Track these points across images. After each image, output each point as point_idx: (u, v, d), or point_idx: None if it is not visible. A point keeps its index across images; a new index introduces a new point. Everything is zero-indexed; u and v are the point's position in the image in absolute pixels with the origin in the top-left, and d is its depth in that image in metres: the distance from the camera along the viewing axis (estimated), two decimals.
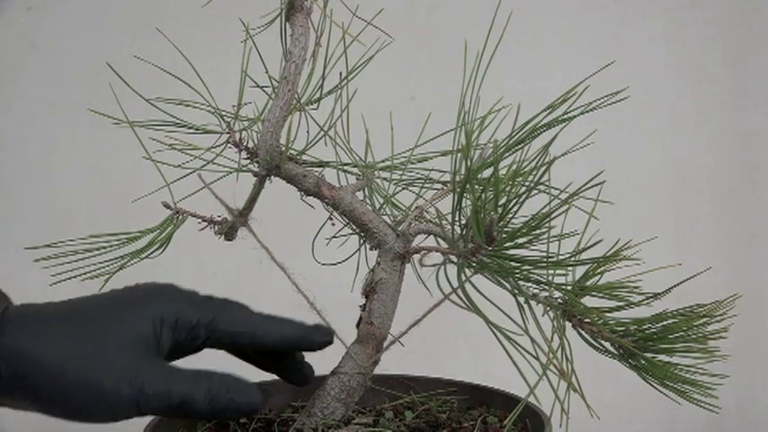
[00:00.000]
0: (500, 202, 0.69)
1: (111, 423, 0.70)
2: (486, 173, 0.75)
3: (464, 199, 0.72)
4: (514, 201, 0.70)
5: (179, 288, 0.79)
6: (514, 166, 0.74)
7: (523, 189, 0.70)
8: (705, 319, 0.77)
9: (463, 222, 0.74)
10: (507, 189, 0.70)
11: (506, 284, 0.74)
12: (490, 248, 0.71)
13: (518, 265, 0.73)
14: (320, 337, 0.82)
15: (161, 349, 0.74)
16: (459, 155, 0.72)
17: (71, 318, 0.71)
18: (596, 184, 0.70)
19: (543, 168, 0.70)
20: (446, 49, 1.54)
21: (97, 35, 1.54)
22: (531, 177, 0.72)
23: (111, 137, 1.10)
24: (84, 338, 0.70)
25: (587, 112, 0.81)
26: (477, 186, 0.72)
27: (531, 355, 0.70)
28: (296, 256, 0.89)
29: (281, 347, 0.81)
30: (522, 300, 0.74)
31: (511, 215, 0.71)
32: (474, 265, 0.73)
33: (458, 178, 0.72)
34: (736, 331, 0.78)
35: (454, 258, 0.76)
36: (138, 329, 0.72)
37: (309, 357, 0.90)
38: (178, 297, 0.77)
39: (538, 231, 0.72)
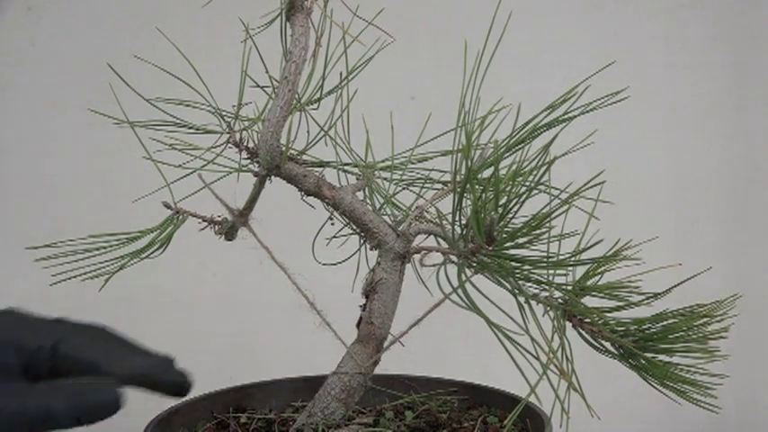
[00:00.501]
0: (500, 203, 0.69)
1: None
2: (487, 173, 0.75)
3: (464, 199, 0.72)
4: (515, 201, 0.70)
5: (19, 312, 0.75)
6: (515, 167, 0.74)
7: (524, 189, 0.70)
8: (705, 320, 0.77)
9: (463, 222, 0.74)
10: (507, 189, 0.70)
11: (506, 284, 0.74)
12: (490, 248, 0.71)
13: (518, 265, 0.73)
14: (173, 376, 0.71)
15: (7, 371, 0.70)
16: (459, 155, 0.72)
17: None
18: (596, 185, 0.70)
19: (543, 168, 0.70)
20: (446, 49, 1.55)
21: (97, 35, 1.54)
22: (531, 177, 0.72)
23: (111, 137, 1.09)
24: None
25: (587, 112, 0.81)
26: (477, 186, 0.72)
27: (532, 354, 0.70)
28: (296, 256, 0.89)
29: (126, 384, 0.71)
30: (522, 300, 0.74)
31: (511, 215, 0.71)
32: (474, 265, 0.73)
33: (458, 178, 0.72)
34: (736, 331, 0.78)
35: (454, 258, 0.76)
36: None
37: (308, 358, 0.90)
38: (16, 321, 0.74)
39: (538, 231, 0.72)
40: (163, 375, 0.71)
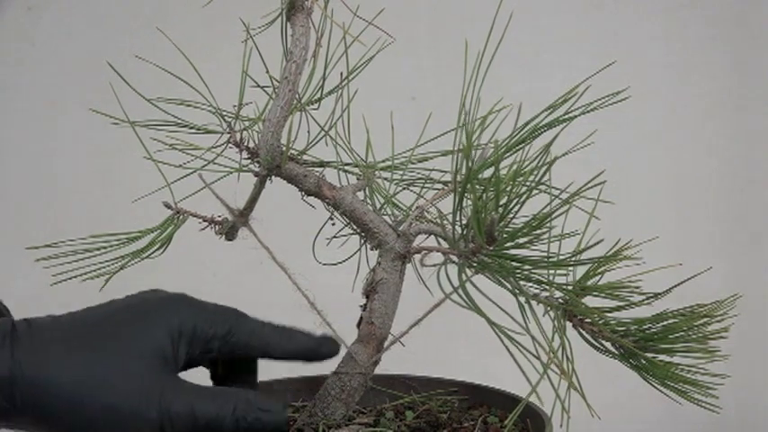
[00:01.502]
0: (501, 203, 0.69)
1: None
2: (487, 173, 0.75)
3: (465, 199, 0.72)
4: (515, 201, 0.70)
5: (192, 298, 0.76)
6: (515, 167, 0.74)
7: (524, 189, 0.70)
8: (706, 320, 0.77)
9: (464, 222, 0.74)
10: (508, 189, 0.70)
11: (507, 284, 0.74)
12: (491, 248, 0.71)
13: (519, 265, 0.73)
14: (328, 348, 0.81)
15: (178, 364, 0.71)
16: (459, 155, 0.72)
17: (82, 334, 0.69)
18: (597, 185, 0.70)
19: (544, 169, 0.70)
20: (446, 49, 1.55)
21: (97, 35, 1.54)
22: (531, 177, 0.72)
23: (111, 137, 1.09)
24: (100, 357, 0.67)
25: (588, 112, 0.81)
26: (477, 186, 0.72)
27: (533, 354, 0.70)
28: (297, 256, 0.89)
29: (292, 359, 0.80)
30: (522, 300, 0.74)
31: (512, 215, 0.71)
32: (475, 265, 0.73)
33: (458, 178, 0.72)
34: (736, 331, 0.78)
35: (455, 258, 0.76)
36: (155, 344, 0.70)
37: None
38: (194, 308, 0.74)
39: (539, 231, 0.72)
40: (323, 348, 0.80)
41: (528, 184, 0.71)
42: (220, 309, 0.77)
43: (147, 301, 0.73)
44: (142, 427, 0.67)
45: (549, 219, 0.71)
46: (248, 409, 0.71)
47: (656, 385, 0.79)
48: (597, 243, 0.72)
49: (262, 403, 0.72)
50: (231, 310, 0.78)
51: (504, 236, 0.71)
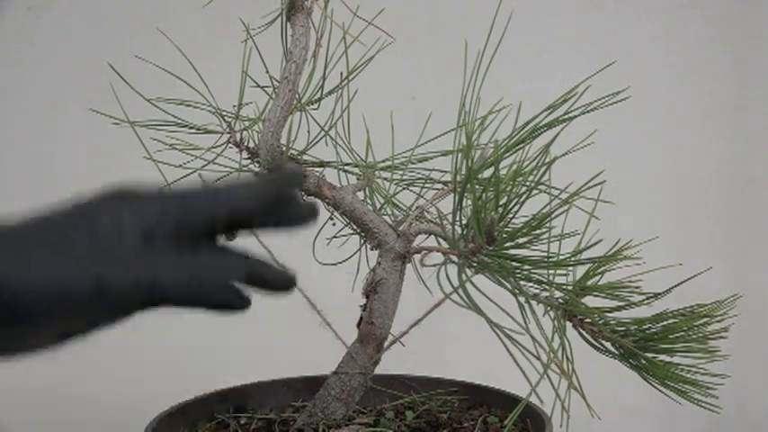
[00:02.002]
0: (501, 203, 0.69)
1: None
2: (487, 173, 0.75)
3: (465, 199, 0.72)
4: (515, 201, 0.70)
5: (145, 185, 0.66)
6: (515, 167, 0.74)
7: (524, 189, 0.70)
8: (706, 320, 0.77)
9: (464, 222, 0.74)
10: (508, 189, 0.70)
11: (507, 284, 0.74)
12: (491, 248, 0.71)
13: (518, 265, 0.73)
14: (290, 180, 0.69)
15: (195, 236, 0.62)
16: (459, 155, 0.72)
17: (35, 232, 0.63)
18: (596, 184, 0.70)
19: (543, 168, 0.70)
20: (446, 49, 1.54)
21: (97, 35, 1.54)
22: (531, 177, 0.72)
23: (111, 137, 1.09)
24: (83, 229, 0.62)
25: (588, 112, 0.81)
26: (477, 186, 0.72)
27: (533, 354, 0.70)
28: (297, 256, 0.89)
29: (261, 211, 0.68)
30: (522, 300, 0.74)
31: (511, 215, 0.71)
32: (475, 264, 0.73)
33: (458, 178, 0.72)
34: (736, 331, 0.78)
35: (455, 258, 0.76)
36: (125, 222, 0.61)
37: (308, 358, 0.90)
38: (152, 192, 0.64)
39: (538, 231, 0.72)
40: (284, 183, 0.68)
41: (528, 184, 0.71)
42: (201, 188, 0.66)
43: (96, 196, 0.65)
44: (121, 289, 0.59)
45: (548, 219, 0.71)
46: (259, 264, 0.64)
47: (656, 385, 0.79)
48: (596, 243, 0.72)
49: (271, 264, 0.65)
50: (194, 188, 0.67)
51: (504, 236, 0.71)
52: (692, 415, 0.87)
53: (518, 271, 0.74)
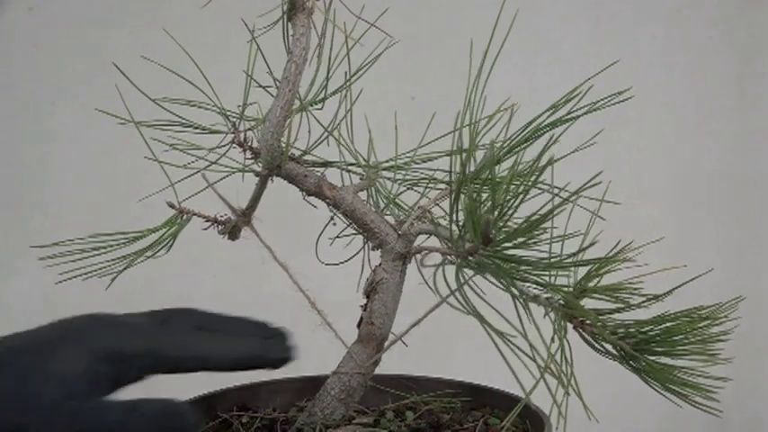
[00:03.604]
0: (498, 203, 0.69)
1: None
2: (486, 173, 0.75)
3: (461, 199, 0.72)
4: (511, 201, 0.70)
5: (112, 315, 0.73)
6: (514, 167, 0.74)
7: (521, 189, 0.70)
8: (707, 322, 0.77)
9: (461, 223, 0.74)
10: (505, 189, 0.70)
11: (505, 285, 0.74)
12: (488, 249, 0.71)
13: (516, 265, 0.73)
14: (277, 354, 0.75)
15: (99, 384, 0.68)
16: (456, 155, 0.72)
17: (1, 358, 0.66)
18: (595, 185, 0.70)
19: (542, 169, 0.70)
20: (447, 49, 1.54)
21: (98, 35, 1.54)
22: (529, 178, 0.72)
23: (111, 137, 1.09)
24: (10, 378, 0.65)
25: (590, 112, 0.81)
26: (473, 186, 0.72)
27: (530, 357, 0.70)
28: (298, 255, 0.89)
29: (234, 370, 0.74)
30: (521, 301, 0.74)
31: (508, 216, 0.71)
32: (472, 265, 0.73)
33: (456, 179, 0.72)
34: (738, 333, 0.78)
35: (454, 259, 0.76)
36: (69, 365, 0.66)
37: (309, 358, 0.90)
38: (114, 327, 0.71)
39: (537, 232, 0.72)
40: (269, 356, 0.74)
41: (525, 184, 0.71)
42: (141, 325, 0.73)
43: (62, 323, 0.71)
44: None
45: (546, 219, 0.71)
46: (158, 416, 0.68)
47: (656, 388, 0.79)
48: (594, 243, 0.72)
49: (174, 408, 0.69)
50: (161, 318, 0.75)
51: (502, 236, 0.71)
52: (694, 418, 0.87)
53: (516, 272, 0.74)
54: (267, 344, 0.75)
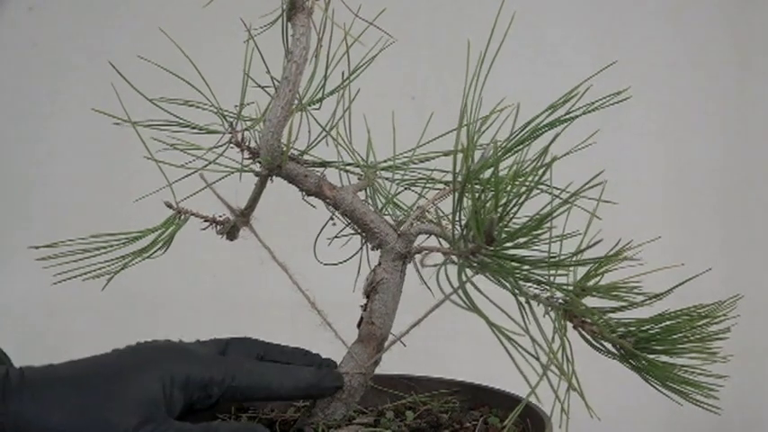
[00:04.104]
0: (500, 203, 0.69)
1: None
2: (488, 173, 0.75)
3: (464, 199, 0.72)
4: (514, 201, 0.70)
5: (184, 344, 0.78)
6: (515, 167, 0.74)
7: (523, 189, 0.70)
8: (706, 320, 0.77)
9: (464, 222, 0.74)
10: (507, 189, 0.70)
11: (507, 284, 0.74)
12: (490, 248, 0.71)
13: (518, 265, 0.73)
14: (330, 383, 0.83)
15: (172, 409, 0.73)
16: (459, 155, 0.72)
17: (75, 382, 0.70)
18: (596, 185, 0.70)
19: (543, 169, 0.70)
20: (447, 49, 1.54)
21: (98, 35, 1.54)
22: (531, 178, 0.71)
23: (111, 137, 1.09)
24: (90, 403, 0.69)
25: (589, 112, 0.81)
26: (476, 186, 0.72)
27: (532, 355, 0.70)
28: (297, 256, 0.89)
29: (294, 398, 0.84)
30: (522, 300, 0.74)
31: (511, 215, 0.71)
32: (474, 264, 0.73)
33: (458, 179, 0.72)
34: (737, 331, 0.78)
35: (455, 258, 0.75)
36: (146, 391, 0.71)
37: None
38: (187, 355, 0.76)
39: (538, 231, 0.72)
40: (324, 383, 0.82)
41: (527, 184, 0.71)
42: (211, 354, 0.80)
43: (139, 350, 0.76)
44: None
45: (548, 219, 0.71)
46: None
47: (656, 386, 0.79)
48: (595, 243, 0.72)
49: (251, 428, 0.76)
50: (223, 358, 0.81)
51: (504, 236, 0.71)
52: (693, 416, 0.87)
53: (518, 271, 0.73)
54: (321, 373, 0.83)
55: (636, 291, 0.78)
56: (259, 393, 0.78)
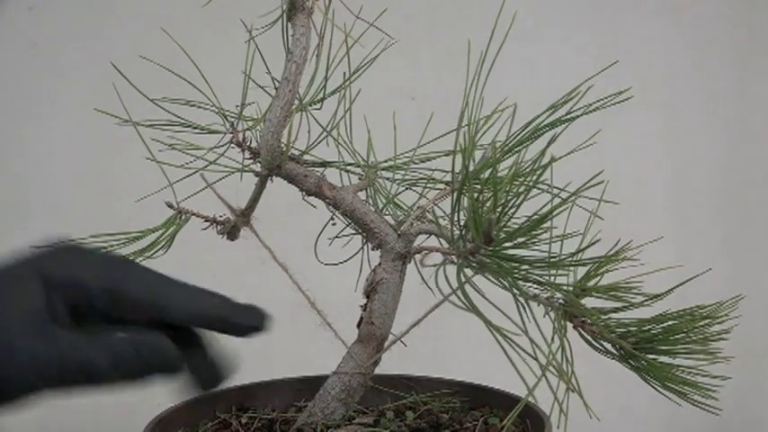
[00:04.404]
0: (499, 203, 0.69)
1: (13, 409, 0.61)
2: (487, 173, 0.75)
3: (464, 199, 0.72)
4: (513, 201, 0.70)
5: (79, 247, 0.69)
6: (515, 167, 0.74)
7: (522, 189, 0.70)
8: (707, 321, 0.77)
9: (462, 223, 0.74)
10: (506, 189, 0.70)
11: (506, 285, 0.74)
12: (489, 249, 0.71)
13: (517, 265, 0.73)
14: (246, 320, 0.69)
15: (56, 315, 0.63)
16: (458, 155, 0.72)
17: None
18: (596, 184, 0.70)
19: (543, 169, 0.70)
20: (446, 49, 1.54)
21: (98, 35, 1.54)
22: (530, 177, 0.72)
23: (111, 137, 1.09)
24: None
25: (589, 112, 0.81)
26: (475, 186, 0.72)
27: (531, 356, 0.70)
28: (297, 256, 0.89)
29: (197, 325, 0.68)
30: (522, 300, 0.74)
31: (509, 215, 0.71)
32: (474, 265, 0.73)
33: (458, 179, 0.72)
34: (738, 332, 0.78)
35: (454, 258, 0.76)
36: (23, 293, 0.62)
37: (308, 358, 0.89)
38: (75, 257, 0.66)
39: (537, 231, 0.72)
40: (238, 317, 0.69)
41: (526, 183, 0.71)
42: (109, 260, 0.68)
43: (25, 253, 0.66)
44: (11, 377, 0.60)
45: (547, 219, 0.71)
46: (132, 349, 0.63)
47: (656, 387, 0.79)
48: (595, 243, 0.72)
49: (152, 342, 0.64)
50: (124, 261, 0.69)
51: (503, 236, 0.71)
52: (694, 417, 0.87)
53: (517, 271, 0.74)
54: (238, 308, 0.70)
55: (636, 291, 0.78)
56: (152, 310, 0.66)
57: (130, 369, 0.63)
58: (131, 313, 0.66)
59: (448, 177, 0.95)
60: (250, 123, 0.89)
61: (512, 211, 0.71)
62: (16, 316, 0.61)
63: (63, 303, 0.64)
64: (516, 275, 0.73)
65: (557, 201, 0.70)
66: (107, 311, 0.65)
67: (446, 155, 0.94)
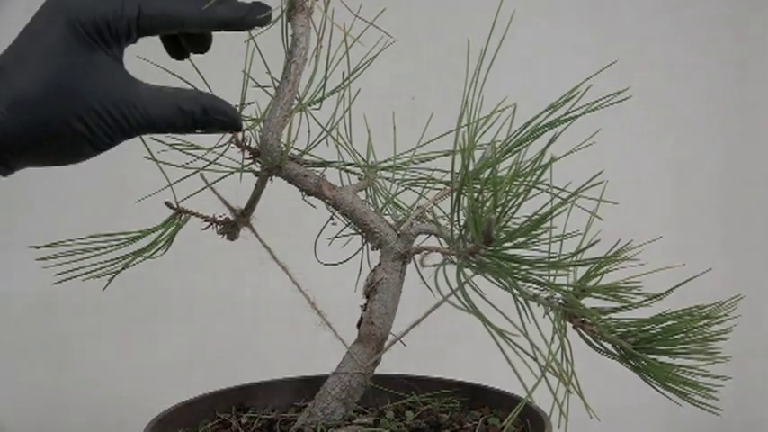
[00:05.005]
0: (499, 203, 0.69)
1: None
2: (487, 173, 0.75)
3: (464, 199, 0.72)
4: (513, 201, 0.70)
5: None
6: (514, 167, 0.74)
7: (522, 189, 0.70)
8: (706, 321, 0.77)
9: (462, 223, 0.74)
10: (506, 189, 0.70)
11: (506, 285, 0.74)
12: (489, 249, 0.71)
13: (517, 265, 0.73)
14: (255, 14, 0.77)
15: (81, 40, 0.72)
16: (458, 155, 0.72)
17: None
18: (596, 184, 0.70)
19: (542, 169, 0.70)
20: (447, 49, 1.54)
21: None
22: (530, 177, 0.71)
23: None
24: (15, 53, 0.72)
25: (589, 112, 0.81)
26: (475, 186, 0.72)
27: (530, 356, 0.70)
28: (297, 256, 0.89)
29: (214, 28, 0.77)
30: (521, 300, 0.74)
31: (509, 216, 0.71)
32: (473, 265, 0.73)
33: (458, 179, 0.72)
34: (737, 332, 0.78)
35: (454, 258, 0.75)
36: (57, 36, 0.71)
37: (308, 358, 0.89)
38: None
39: (537, 231, 0.72)
40: (249, 15, 0.76)
41: (526, 183, 0.71)
42: None
43: (47, 5, 0.74)
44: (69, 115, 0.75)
45: (547, 219, 0.71)
46: (198, 106, 0.74)
47: (656, 387, 0.79)
48: (595, 243, 0.72)
49: (212, 102, 0.75)
50: None
51: (503, 236, 0.71)
52: (693, 416, 0.87)
53: (517, 271, 0.73)
54: (247, 8, 0.77)
55: (636, 291, 0.78)
56: (174, 25, 0.75)
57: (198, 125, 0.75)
58: (157, 31, 0.76)
59: (447, 177, 0.95)
60: (250, 123, 0.89)
61: (512, 211, 0.71)
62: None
63: (94, 34, 0.73)
64: (516, 275, 0.73)
65: (556, 201, 0.70)
66: (136, 34, 0.75)
67: (446, 155, 0.94)
